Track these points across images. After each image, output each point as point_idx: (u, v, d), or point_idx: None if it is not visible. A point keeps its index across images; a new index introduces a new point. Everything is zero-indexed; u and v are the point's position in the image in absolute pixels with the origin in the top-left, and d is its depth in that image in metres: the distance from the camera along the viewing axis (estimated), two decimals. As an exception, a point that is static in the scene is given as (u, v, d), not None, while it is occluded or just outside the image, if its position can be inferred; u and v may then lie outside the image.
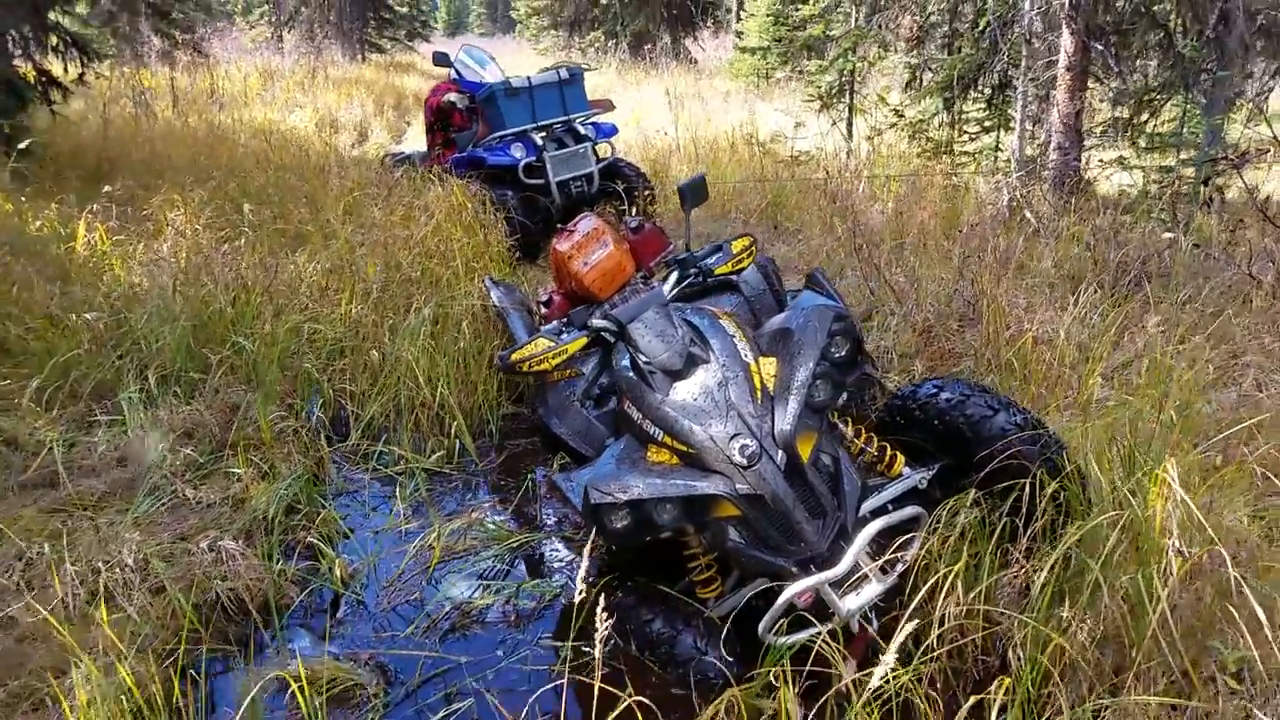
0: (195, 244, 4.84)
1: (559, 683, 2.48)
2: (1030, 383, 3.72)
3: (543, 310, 4.32)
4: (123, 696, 2.19)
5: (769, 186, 7.16)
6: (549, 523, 3.52)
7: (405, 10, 28.40)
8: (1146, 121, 6.91)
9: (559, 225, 4.56)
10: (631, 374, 2.61)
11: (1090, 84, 6.36)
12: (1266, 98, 8.21)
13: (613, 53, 21.26)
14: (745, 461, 2.33)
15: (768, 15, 15.37)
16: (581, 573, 2.05)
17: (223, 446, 3.49)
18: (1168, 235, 5.15)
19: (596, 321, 2.87)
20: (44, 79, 7.63)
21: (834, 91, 9.48)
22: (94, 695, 2.13)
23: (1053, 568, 2.29)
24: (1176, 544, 2.10)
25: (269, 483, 3.32)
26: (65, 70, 8.25)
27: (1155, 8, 6.39)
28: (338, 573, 3.03)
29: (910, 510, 2.48)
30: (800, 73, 13.36)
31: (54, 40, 7.78)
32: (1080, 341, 3.95)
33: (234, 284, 4.34)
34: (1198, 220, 5.42)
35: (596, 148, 6.71)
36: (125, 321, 4.08)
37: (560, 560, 3.24)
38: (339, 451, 3.89)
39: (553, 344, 2.82)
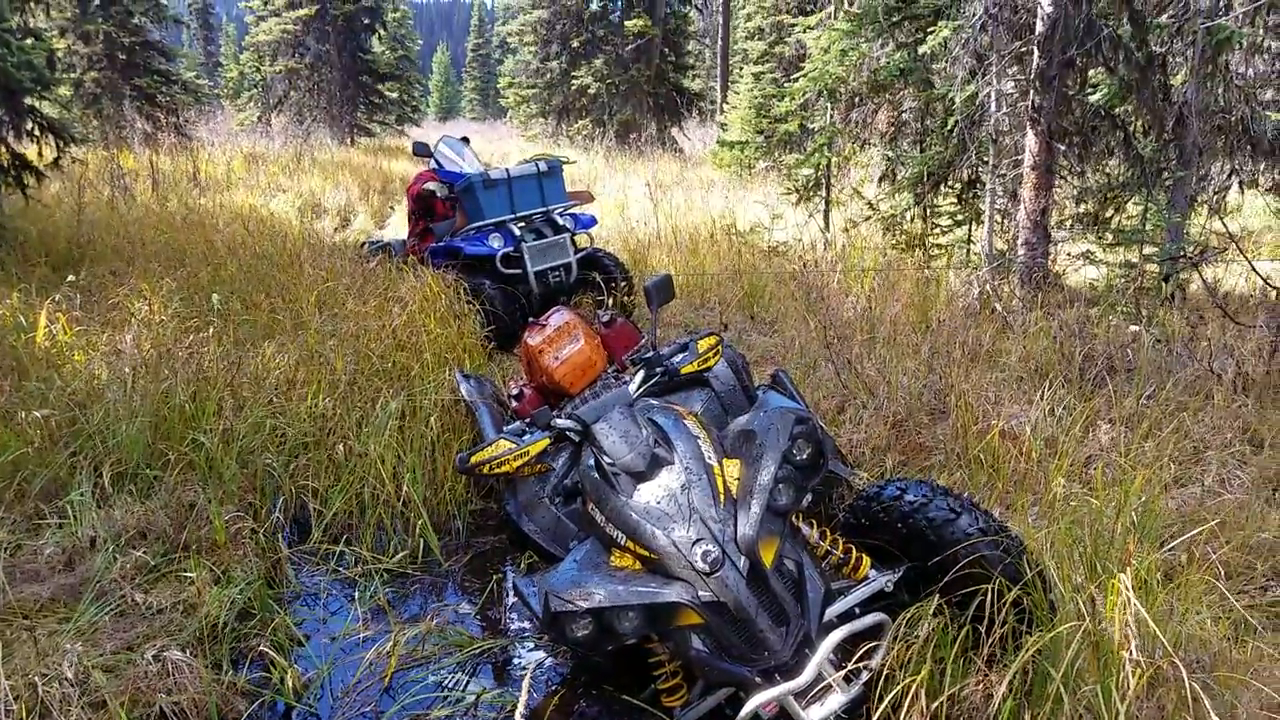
0: (159, 335, 4.81)
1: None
2: (998, 479, 3.72)
3: (514, 404, 4.31)
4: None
5: (746, 278, 7.25)
6: (514, 627, 3.44)
7: (396, 95, 29.03)
8: (1111, 218, 7.08)
9: (531, 319, 4.58)
10: (595, 475, 2.60)
11: (1057, 181, 6.54)
12: (1224, 195, 8.45)
13: (600, 140, 21.71)
14: (708, 568, 2.30)
15: (750, 107, 15.78)
16: (521, 703, 1.99)
17: (176, 548, 3.40)
18: (1133, 329, 5.23)
19: (560, 422, 2.86)
20: (17, 163, 7.69)
21: (811, 184, 9.69)
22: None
23: (1013, 678, 2.25)
24: (1134, 655, 2.08)
25: (222, 587, 3.22)
26: (40, 154, 8.33)
27: (1116, 110, 6.60)
28: (290, 683, 2.92)
29: (874, 618, 2.45)
30: (779, 166, 13.67)
31: (29, 125, 7.86)
32: (1047, 436, 3.98)
33: (195, 377, 4.29)
34: (1161, 315, 5.52)
35: (575, 238, 6.80)
36: (81, 417, 4.00)
37: (525, 668, 3.16)
38: (298, 552, 3.80)
39: (514, 445, 2.80)
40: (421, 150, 7.31)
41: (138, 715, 2.62)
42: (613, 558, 2.49)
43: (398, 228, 11.91)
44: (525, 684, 2.10)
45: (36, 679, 2.58)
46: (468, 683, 3.06)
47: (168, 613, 3.07)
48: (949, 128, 7.24)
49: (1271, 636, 2.73)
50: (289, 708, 2.91)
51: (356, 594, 3.53)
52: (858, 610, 2.59)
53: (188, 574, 3.22)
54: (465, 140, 7.56)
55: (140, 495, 3.71)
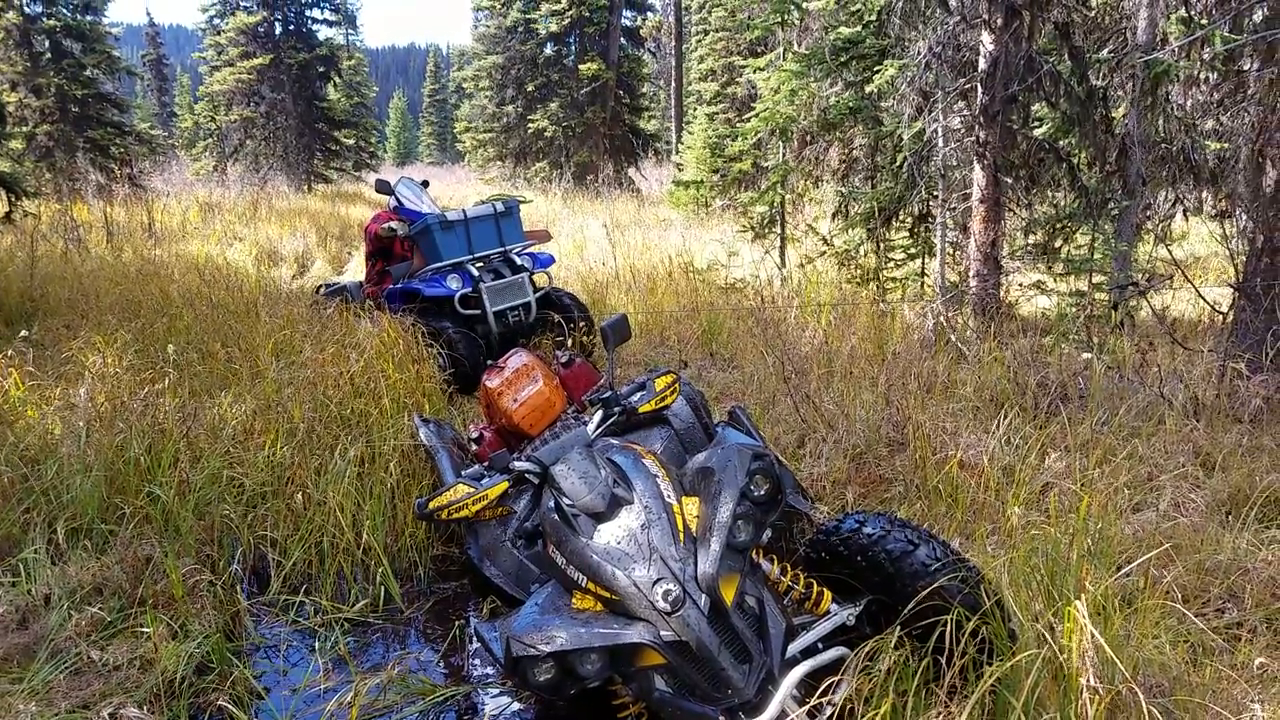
0: (114, 388, 4.74)
1: None
2: (957, 508, 3.76)
3: (474, 447, 4.29)
4: None
5: (704, 315, 7.32)
6: (477, 673, 3.39)
7: (352, 142, 29.05)
8: (1060, 247, 7.26)
9: (490, 362, 4.57)
10: (555, 516, 2.59)
11: (1005, 213, 6.69)
12: (1169, 223, 8.70)
13: (558, 182, 21.87)
14: (669, 607, 2.31)
15: (704, 147, 16.00)
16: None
17: (133, 603, 3.33)
18: (1085, 357, 5.34)
19: (518, 465, 2.85)
20: (-31, 217, 7.62)
21: (766, 222, 9.83)
22: None
23: (973, 709, 2.27)
24: (1092, 682, 2.10)
25: (180, 641, 3.16)
26: (-9, 209, 8.25)
27: (1060, 143, 6.79)
28: (249, 738, 2.88)
29: (835, 652, 2.47)
30: (734, 204, 13.85)
31: (-21, 180, 7.80)
32: (1005, 465, 4.03)
33: (151, 429, 4.24)
34: (1111, 343, 5.64)
35: (534, 277, 6.82)
36: (35, 473, 3.94)
37: (489, 715, 3.12)
38: (257, 604, 3.74)
39: (473, 489, 2.78)
40: (384, 188, 7.33)
41: (91, 779, 2.55)
42: (575, 600, 2.48)
43: (355, 271, 11.87)
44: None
45: (-13, 742, 2.51)
46: (431, 732, 3.01)
47: (124, 669, 3.01)
48: (898, 164, 7.41)
49: (1229, 658, 2.77)
50: (247, 764, 2.84)
51: (317, 644, 3.47)
52: (820, 645, 2.60)
53: (144, 629, 3.16)
54: (424, 184, 7.59)
55: (96, 550, 3.64)
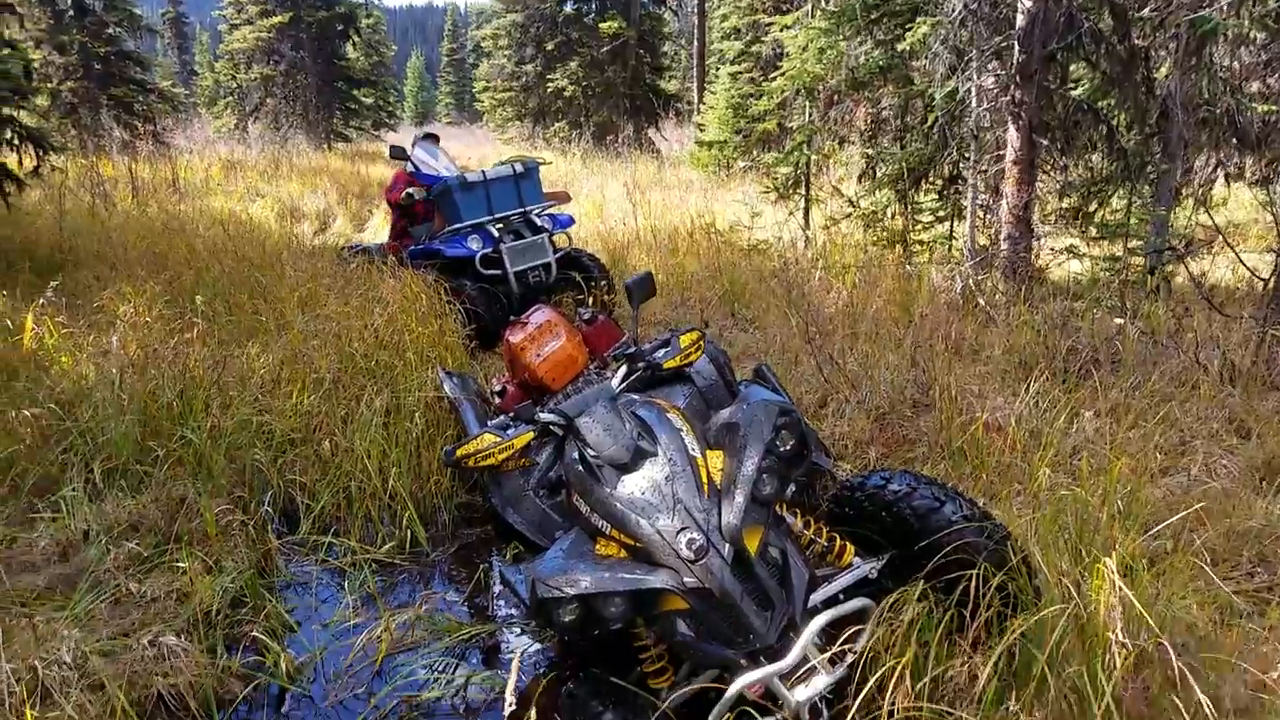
0: (145, 336, 4.82)
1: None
2: (982, 470, 3.75)
3: (497, 401, 4.32)
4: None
5: (726, 276, 7.28)
6: (501, 614, 3.47)
7: (371, 101, 28.93)
8: (1095, 212, 7.13)
9: (513, 318, 4.58)
10: (579, 467, 2.61)
11: (1039, 175, 6.58)
12: (1210, 188, 8.52)
13: (577, 143, 21.67)
14: (692, 555, 2.32)
15: (727, 107, 15.80)
16: (511, 677, 1.99)
17: (168, 540, 3.43)
18: (1117, 322, 5.27)
19: (544, 416, 2.86)
20: (-2, 171, 7.66)
21: (790, 183, 9.72)
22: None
23: (998, 660, 2.27)
24: (1120, 636, 2.10)
25: (214, 576, 3.26)
26: (20, 163, 8.28)
27: (1099, 104, 6.65)
28: (283, 667, 2.97)
29: (858, 602, 2.47)
30: (758, 165, 13.71)
31: (9, 134, 7.83)
32: (1032, 428, 4.00)
33: (182, 377, 4.31)
34: (1146, 308, 5.55)
35: (554, 238, 6.80)
36: (71, 415, 4.04)
37: (513, 652, 3.19)
38: (288, 543, 3.83)
39: (499, 439, 2.80)
40: (398, 154, 7.32)
41: (135, 697, 2.65)
42: (598, 546, 2.50)
43: (376, 231, 11.89)
44: (514, 666, 2.12)
45: (36, 663, 2.62)
46: (457, 666, 3.10)
47: (161, 601, 3.12)
48: (929, 124, 7.29)
49: (1258, 621, 2.75)
50: (283, 690, 2.96)
51: (346, 583, 3.57)
52: (842, 596, 2.62)
53: (180, 564, 3.26)
54: (433, 138, 7.56)
55: (131, 490, 3.75)
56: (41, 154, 8.26)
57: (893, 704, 2.24)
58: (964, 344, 5.16)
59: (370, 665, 3.06)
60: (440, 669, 3.06)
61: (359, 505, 3.99)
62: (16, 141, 8.03)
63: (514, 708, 2.01)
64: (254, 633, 3.11)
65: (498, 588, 3.62)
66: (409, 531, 3.89)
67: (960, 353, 5.03)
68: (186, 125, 23.42)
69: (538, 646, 3.23)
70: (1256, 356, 4.67)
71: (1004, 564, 2.48)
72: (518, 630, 3.33)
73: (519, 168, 6.85)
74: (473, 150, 23.90)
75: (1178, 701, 2.09)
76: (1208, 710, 2.01)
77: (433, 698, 2.90)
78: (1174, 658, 2.09)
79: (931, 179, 7.87)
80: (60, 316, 5.03)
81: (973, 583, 2.43)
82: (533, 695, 2.15)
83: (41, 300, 4.98)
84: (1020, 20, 6.00)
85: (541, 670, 3.05)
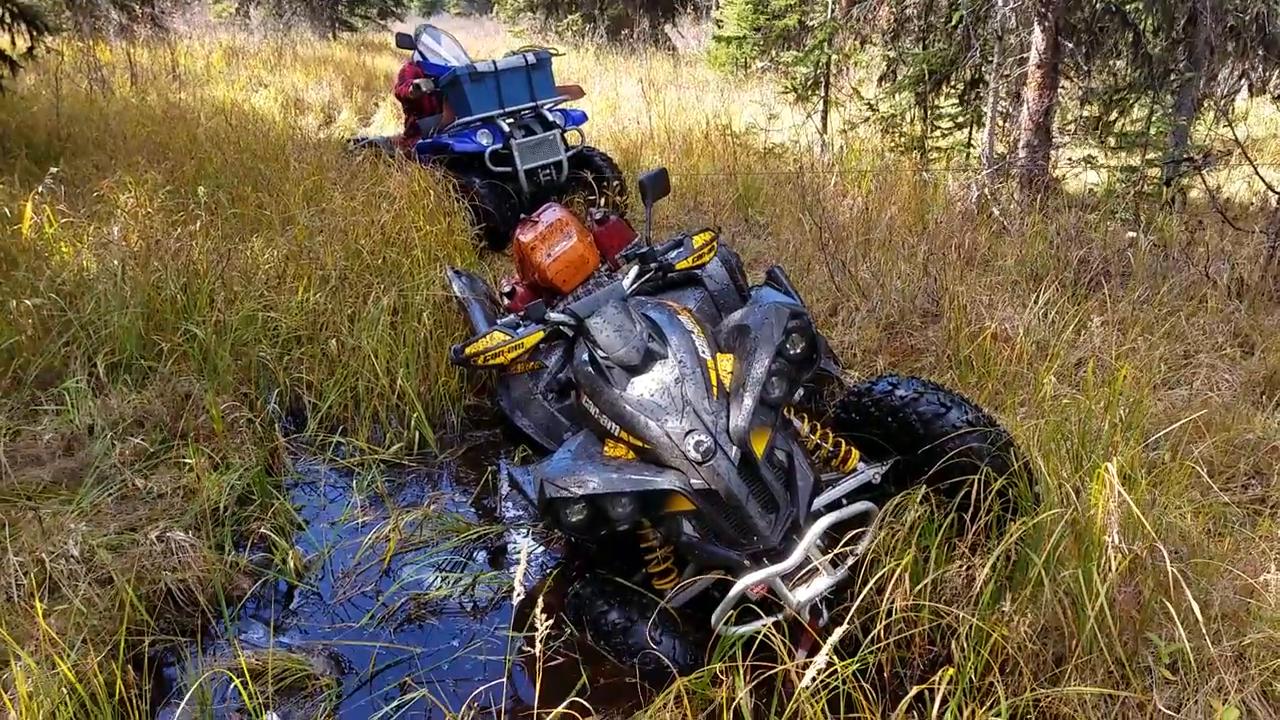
0: (147, 227, 4.74)
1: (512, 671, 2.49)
2: (988, 379, 3.75)
3: (506, 301, 4.30)
4: (64, 689, 2.16)
5: (741, 180, 7.16)
6: (509, 515, 3.51)
7: (378, -12, 28.02)
8: (1115, 121, 6.98)
9: (523, 216, 4.52)
10: (589, 369, 2.61)
11: (1061, 83, 6.41)
12: (1232, 100, 8.31)
13: (590, 37, 21.04)
14: (700, 457, 2.34)
15: (746, 3, 15.31)
16: (519, 574, 2.03)
17: (174, 436, 3.43)
18: (1130, 234, 5.21)
19: (554, 316, 2.85)
20: (-9, 53, 7.42)
21: (809, 84, 9.47)
22: (35, 688, 2.11)
23: (996, 563, 2.32)
24: (1116, 540, 2.13)
25: (221, 473, 3.27)
26: (14, 44, 8.03)
27: (1127, 7, 6.43)
28: (292, 564, 3.00)
29: (860, 506, 2.50)
30: (776, 64, 13.35)
31: (1, 13, 7.54)
32: (1039, 339, 4.00)
33: (185, 269, 4.26)
34: (1160, 220, 5.49)
35: (565, 135, 6.66)
36: (73, 306, 3.99)
37: (519, 552, 3.23)
38: (295, 442, 3.84)
39: (508, 338, 2.79)
40: (405, 42, 7.11)
41: (144, 592, 2.68)
42: (606, 448, 2.53)
43: (383, 124, 11.67)
44: (521, 562, 2.15)
45: (44, 556, 2.64)
46: (465, 565, 3.14)
47: (168, 497, 3.12)
48: (953, 24, 7.07)
49: (1250, 530, 2.80)
50: (291, 587, 2.99)
51: (354, 482, 3.58)
52: (845, 500, 2.65)
53: (186, 460, 3.27)
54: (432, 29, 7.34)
55: (135, 385, 3.73)
56: (36, 34, 7.94)
57: (891, 604, 2.28)
58: (976, 254, 5.10)
59: (378, 564, 3.09)
60: (448, 568, 3.10)
61: (366, 405, 3.99)
62: (9, 20, 7.70)
63: (521, 600, 2.05)
64: (262, 530, 3.13)
65: (505, 489, 3.65)
66: (417, 433, 3.88)
67: (972, 263, 4.98)
68: (186, 8, 22.71)
69: (545, 548, 3.27)
70: (1265, 272, 4.64)
71: (1005, 470, 2.51)
72: (525, 531, 3.36)
73: (531, 58, 6.64)
74: (482, 43, 23.22)
75: (1169, 605, 2.13)
76: (1197, 613, 2.05)
77: (440, 596, 2.93)
78: (1167, 563, 2.12)
79: (953, 82, 7.67)
80: (60, 205, 4.94)
81: (974, 488, 2.46)
82: (539, 594, 2.20)
83: (40, 188, 4.89)
84: (1052, -85, 5.75)
85: (548, 570, 3.10)
